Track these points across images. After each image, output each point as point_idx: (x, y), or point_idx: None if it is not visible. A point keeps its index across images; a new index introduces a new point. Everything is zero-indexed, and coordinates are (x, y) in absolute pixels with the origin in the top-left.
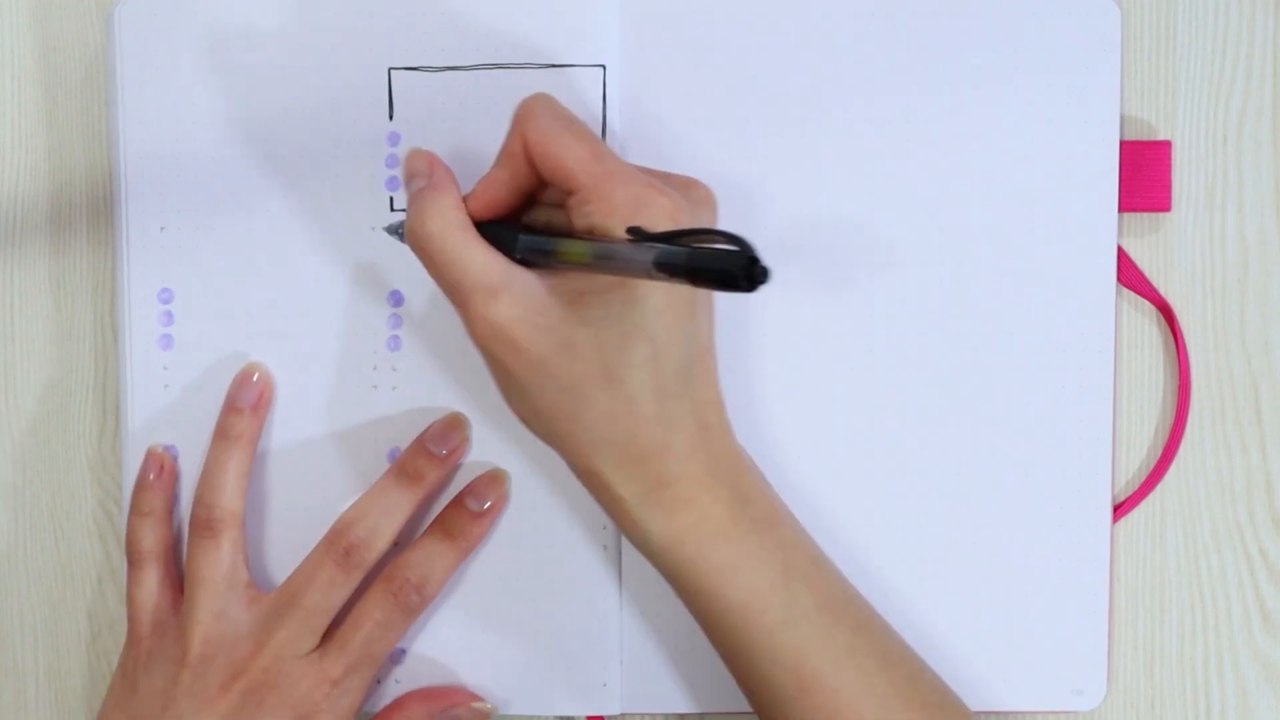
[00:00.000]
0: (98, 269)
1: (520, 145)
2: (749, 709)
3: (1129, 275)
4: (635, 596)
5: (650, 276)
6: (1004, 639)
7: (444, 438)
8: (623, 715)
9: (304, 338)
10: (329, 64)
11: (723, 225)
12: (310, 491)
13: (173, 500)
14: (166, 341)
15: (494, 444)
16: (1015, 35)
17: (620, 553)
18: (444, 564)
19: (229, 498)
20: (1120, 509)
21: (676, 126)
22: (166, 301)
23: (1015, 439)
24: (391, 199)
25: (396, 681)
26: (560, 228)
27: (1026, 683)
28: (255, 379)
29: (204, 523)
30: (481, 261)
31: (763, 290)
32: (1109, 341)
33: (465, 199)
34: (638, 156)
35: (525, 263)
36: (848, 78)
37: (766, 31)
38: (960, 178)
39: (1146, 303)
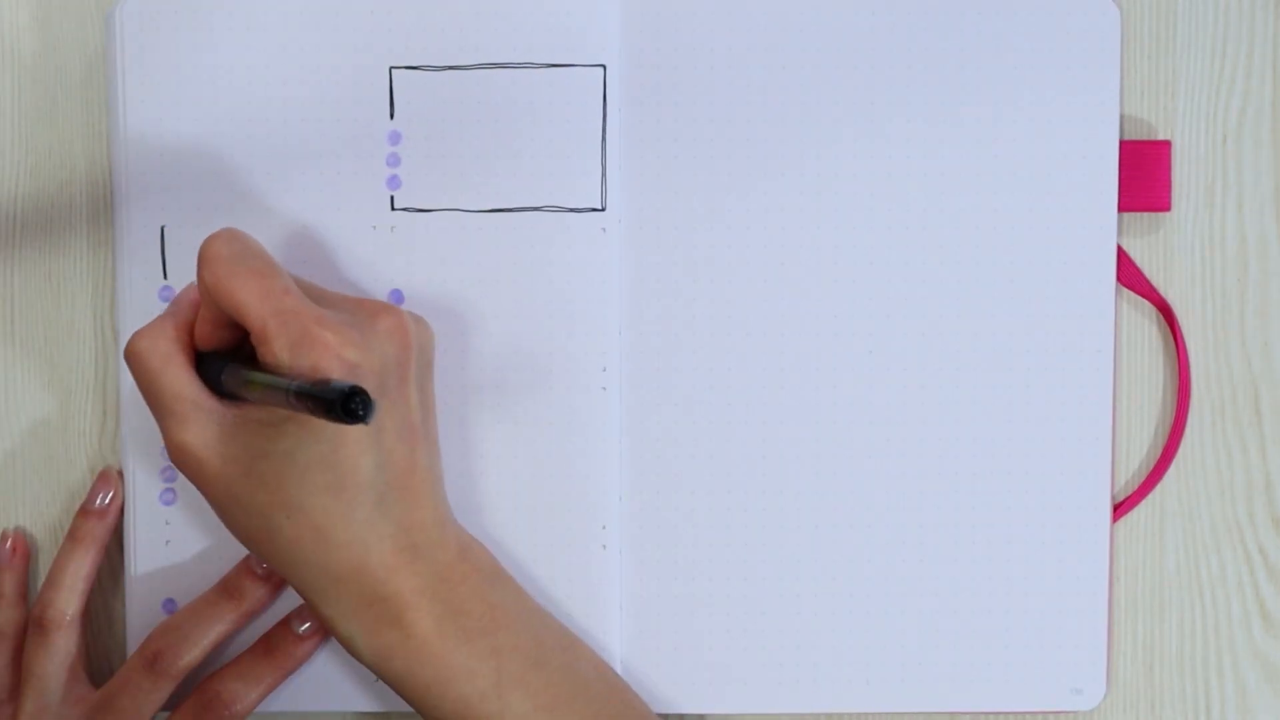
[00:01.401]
0: (98, 269)
1: (203, 288)
2: (751, 709)
3: (1129, 275)
4: (634, 596)
5: (293, 409)
6: (1004, 639)
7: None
8: None
9: None
10: (330, 63)
11: (711, 226)
12: None
13: (25, 582)
14: None
15: (492, 441)
16: (1015, 35)
17: (620, 552)
18: (261, 683)
19: (65, 599)
20: (1120, 509)
21: (676, 126)
22: (166, 301)
23: (1015, 439)
24: (392, 198)
25: None
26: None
27: (1026, 682)
28: (110, 482)
29: (38, 620)
30: (175, 388)
31: (759, 289)
32: (1109, 341)
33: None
34: (638, 156)
35: (232, 395)
36: (847, 77)
37: (766, 31)
38: (960, 177)
39: (1146, 303)
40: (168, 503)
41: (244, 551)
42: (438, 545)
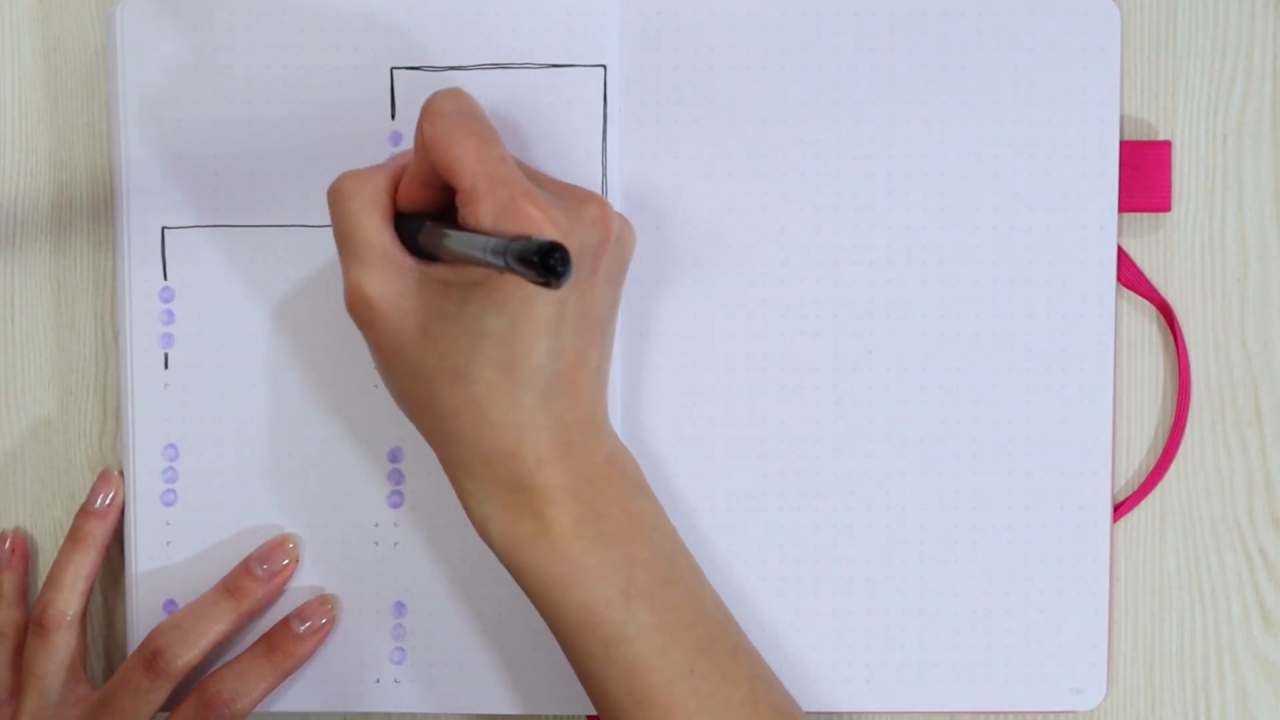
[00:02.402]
0: (98, 269)
1: (420, 140)
2: None
3: (1129, 275)
4: None
5: (489, 266)
6: (1004, 639)
7: (269, 558)
8: None
9: (305, 335)
10: (331, 63)
11: (711, 226)
12: (315, 493)
13: (25, 582)
14: (166, 341)
15: None
16: (1015, 35)
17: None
18: (261, 682)
19: (65, 599)
20: (1120, 509)
21: (676, 126)
22: (167, 301)
23: (1015, 439)
24: None
25: (396, 681)
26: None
27: (1026, 682)
28: (111, 482)
29: (38, 620)
30: (369, 234)
31: (758, 289)
32: (1109, 341)
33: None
34: (637, 156)
35: (426, 256)
36: (848, 77)
37: (766, 31)
38: (960, 177)
39: (1146, 303)
40: (168, 503)
41: (244, 552)
42: (591, 446)
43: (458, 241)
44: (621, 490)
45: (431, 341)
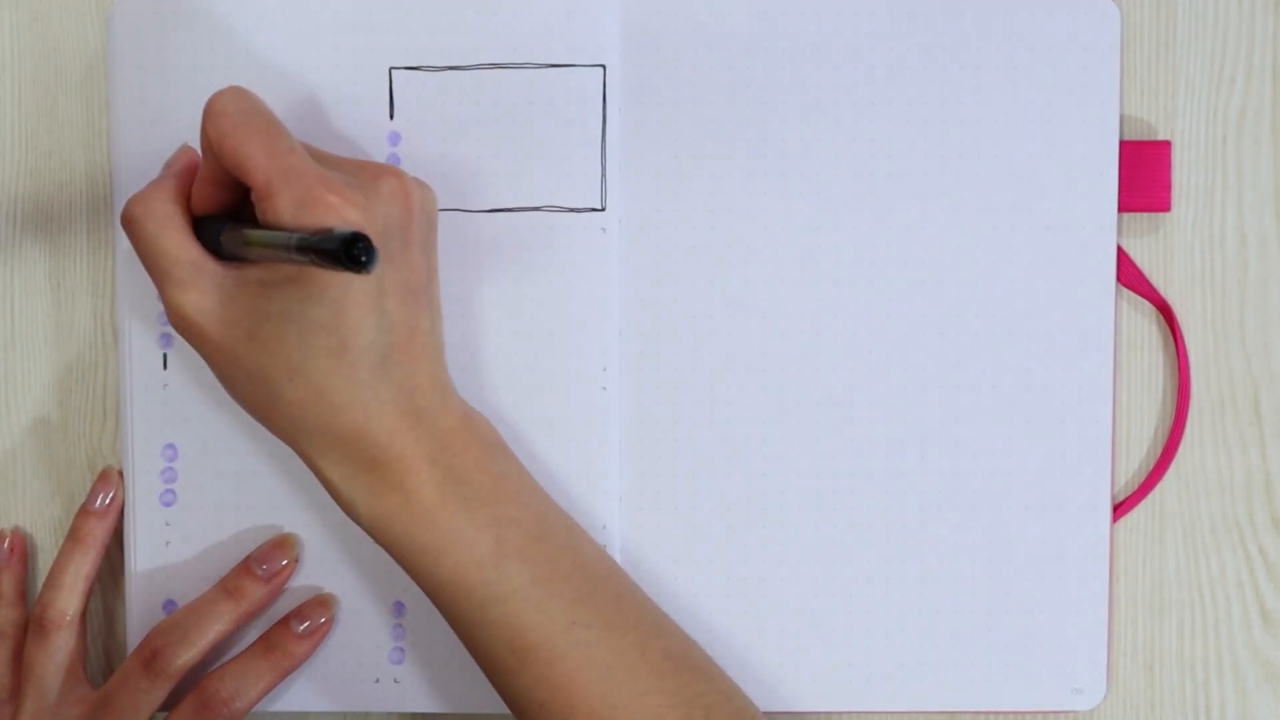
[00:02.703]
0: (97, 269)
1: (207, 143)
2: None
3: (1129, 275)
4: None
5: (295, 262)
6: (1004, 639)
7: (268, 558)
8: None
9: None
10: (329, 63)
11: (711, 225)
12: (315, 493)
13: (24, 582)
14: (166, 341)
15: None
16: (1015, 35)
17: (619, 551)
18: (260, 682)
19: (65, 599)
20: (1120, 509)
21: (676, 126)
22: None
23: (1015, 439)
24: None
25: (396, 681)
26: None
27: (1026, 682)
28: (111, 482)
29: (38, 620)
30: (174, 251)
31: (758, 289)
32: (1109, 341)
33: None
34: (637, 156)
35: (231, 256)
36: (847, 77)
37: (766, 31)
38: (960, 177)
39: (1146, 303)
40: (168, 503)
41: (243, 552)
42: (440, 411)
43: (261, 239)
44: (480, 453)
45: (261, 344)
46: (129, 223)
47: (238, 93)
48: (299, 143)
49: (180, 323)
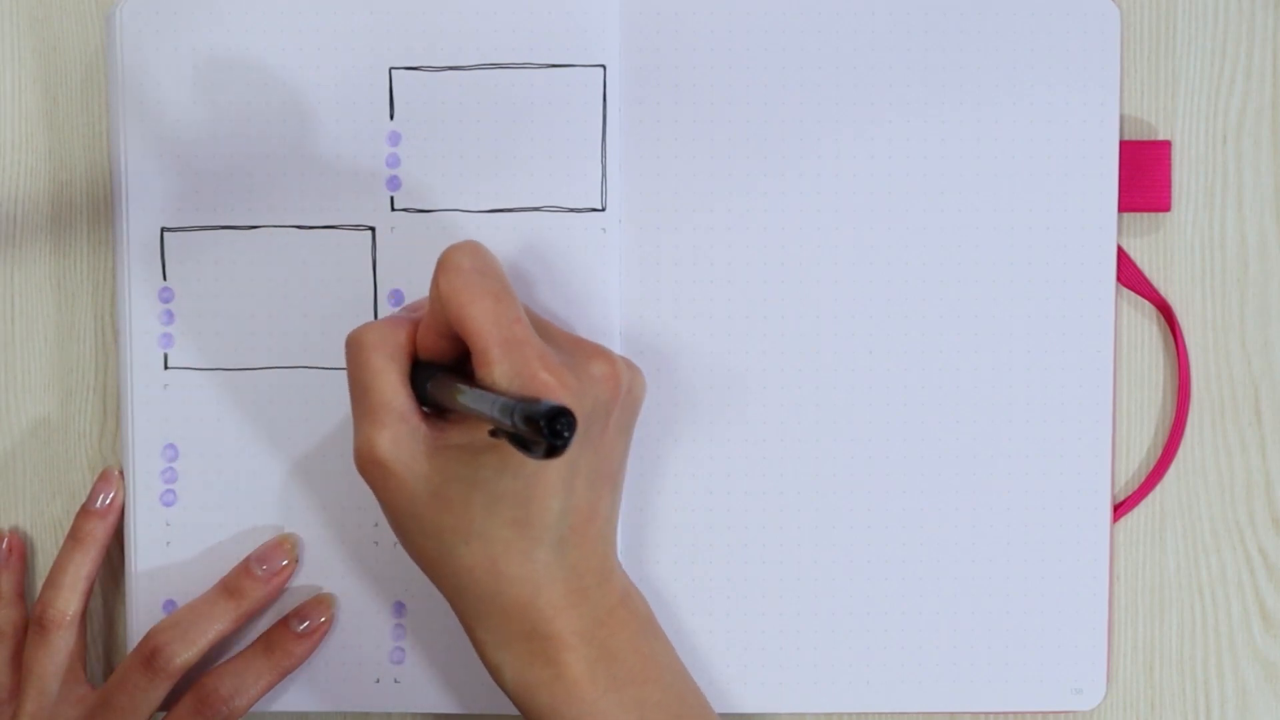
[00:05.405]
0: (98, 269)
1: (436, 294)
2: (751, 709)
3: (1129, 275)
4: None
5: (496, 426)
6: (1004, 639)
7: (268, 558)
8: None
9: (305, 336)
10: (329, 64)
11: (711, 225)
12: (315, 493)
13: (23, 582)
14: (166, 341)
15: None
16: (1015, 35)
17: (620, 554)
18: (259, 681)
19: (65, 599)
20: (1120, 509)
21: (676, 126)
22: (166, 301)
23: (1015, 439)
24: (392, 199)
25: (396, 681)
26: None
27: (1026, 682)
28: (111, 482)
29: (38, 620)
30: (387, 395)
31: (759, 289)
32: (1109, 341)
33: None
34: (638, 156)
35: (434, 403)
36: (847, 77)
37: (766, 31)
38: (960, 177)
39: (1146, 303)
40: (168, 503)
41: (244, 551)
42: (604, 590)
43: (468, 397)
44: (634, 632)
45: (444, 503)
46: (357, 345)
47: (474, 249)
48: (524, 310)
49: (370, 463)
